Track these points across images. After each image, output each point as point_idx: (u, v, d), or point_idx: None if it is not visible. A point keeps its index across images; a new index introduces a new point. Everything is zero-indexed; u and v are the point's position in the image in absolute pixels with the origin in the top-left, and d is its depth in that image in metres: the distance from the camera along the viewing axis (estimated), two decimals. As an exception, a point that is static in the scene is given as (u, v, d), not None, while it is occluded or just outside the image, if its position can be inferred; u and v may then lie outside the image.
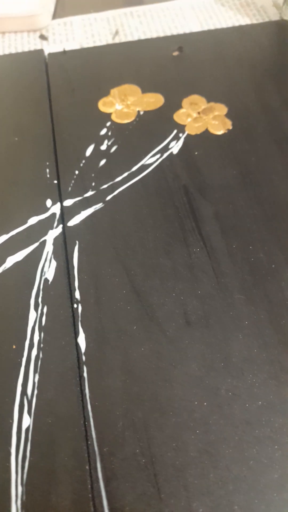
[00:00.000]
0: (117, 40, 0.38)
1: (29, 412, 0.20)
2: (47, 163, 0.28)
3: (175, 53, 0.34)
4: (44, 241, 0.25)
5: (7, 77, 0.34)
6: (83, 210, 0.26)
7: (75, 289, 0.23)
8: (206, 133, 0.29)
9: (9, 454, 0.19)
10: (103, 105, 0.31)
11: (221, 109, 0.31)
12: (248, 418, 0.19)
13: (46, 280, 0.23)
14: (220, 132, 0.29)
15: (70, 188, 0.27)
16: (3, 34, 0.39)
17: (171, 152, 0.28)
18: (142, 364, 0.21)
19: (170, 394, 0.20)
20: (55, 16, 0.40)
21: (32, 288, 0.23)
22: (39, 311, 0.22)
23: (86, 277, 0.23)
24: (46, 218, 0.26)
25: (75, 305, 0.22)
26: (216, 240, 0.24)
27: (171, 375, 0.20)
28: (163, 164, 0.28)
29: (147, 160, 0.28)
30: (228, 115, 0.30)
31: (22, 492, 0.18)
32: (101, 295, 0.23)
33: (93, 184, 0.27)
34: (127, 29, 0.38)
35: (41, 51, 0.36)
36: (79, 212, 0.26)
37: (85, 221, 0.26)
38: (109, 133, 0.30)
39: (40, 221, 0.26)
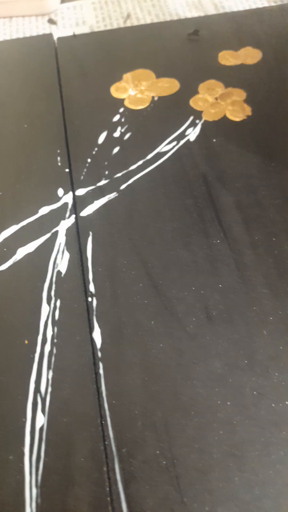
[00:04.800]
0: (129, 23, 0.36)
1: (43, 411, 0.19)
2: (58, 151, 0.27)
3: (191, 37, 0.33)
4: (56, 232, 0.24)
5: (15, 62, 0.33)
6: (97, 199, 0.25)
7: (89, 282, 0.22)
8: (224, 120, 0.28)
9: (23, 454, 0.18)
10: (116, 91, 0.30)
11: (239, 94, 0.29)
12: (275, 418, 0.18)
13: (59, 272, 0.22)
14: (239, 118, 0.28)
15: (82, 177, 0.26)
16: (10, 19, 0.38)
17: (188, 139, 0.27)
18: (161, 361, 0.20)
19: (191, 393, 0.19)
20: (64, 0, 0.39)
21: (44, 280, 0.22)
22: (52, 305, 0.21)
23: (101, 269, 0.22)
24: (57, 208, 0.25)
25: (89, 299, 0.21)
26: (237, 231, 0.23)
27: (193, 373, 0.19)
28: (180, 151, 0.26)
29: (163, 147, 0.27)
30: (247, 101, 0.29)
31: (37, 494, 0.17)
32: (117, 288, 0.22)
33: (107, 172, 0.26)
34: (139, 12, 0.37)
35: (50, 35, 0.34)
36: (92, 202, 0.25)
37: (99, 211, 0.24)
38: (123, 120, 0.28)
39: (51, 211, 0.25)
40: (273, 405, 0.18)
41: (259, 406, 0.18)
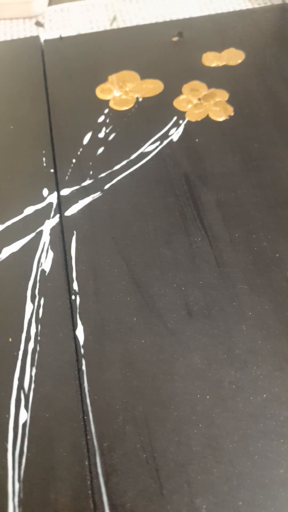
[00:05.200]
0: (115, 26, 0.37)
1: (26, 407, 0.19)
2: (44, 152, 0.27)
3: (175, 39, 0.33)
4: (41, 231, 0.24)
5: (2, 65, 0.33)
6: (81, 199, 0.25)
7: (73, 280, 0.22)
8: (207, 120, 0.28)
9: (6, 450, 0.18)
10: (101, 92, 0.30)
11: (222, 95, 0.30)
12: (252, 411, 0.19)
13: (43, 271, 0.23)
14: (221, 119, 0.28)
15: (67, 177, 0.26)
16: (-3, 21, 0.38)
17: (171, 139, 0.27)
18: (142, 357, 0.20)
19: (171, 387, 0.19)
20: (51, 2, 0.39)
21: (29, 279, 0.22)
22: (36, 303, 0.22)
23: (84, 268, 0.23)
24: (42, 207, 0.25)
25: (73, 297, 0.22)
26: (218, 229, 0.23)
27: (173, 368, 0.20)
28: (163, 151, 0.27)
29: (146, 147, 0.27)
30: (229, 101, 0.29)
31: (19, 489, 0.17)
32: (100, 286, 0.22)
33: (91, 172, 0.26)
34: (126, 14, 0.37)
35: (37, 38, 0.35)
36: (76, 202, 0.25)
37: (83, 210, 0.25)
38: (107, 121, 0.29)
39: (36, 211, 0.25)
40: (251, 398, 0.19)
41: (237, 399, 0.19)
